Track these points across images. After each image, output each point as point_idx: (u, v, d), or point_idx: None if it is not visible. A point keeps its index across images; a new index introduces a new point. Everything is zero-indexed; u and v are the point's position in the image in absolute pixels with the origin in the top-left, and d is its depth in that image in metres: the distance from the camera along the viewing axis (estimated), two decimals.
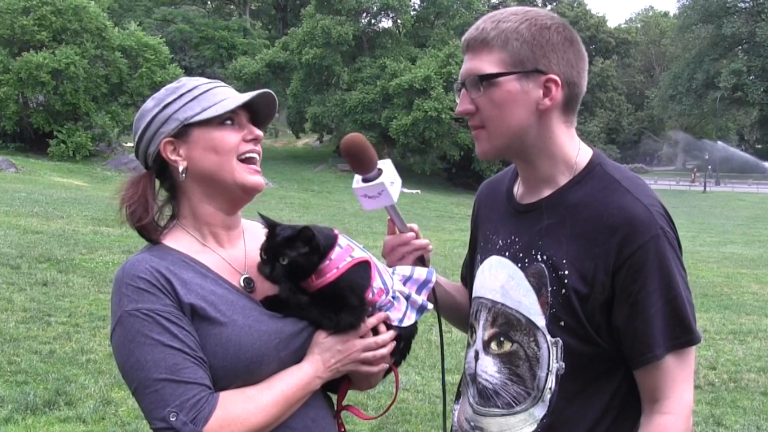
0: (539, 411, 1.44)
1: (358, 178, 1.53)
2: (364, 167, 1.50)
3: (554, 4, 68.92)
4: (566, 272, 1.39)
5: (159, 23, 52.46)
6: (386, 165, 1.53)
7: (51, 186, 19.78)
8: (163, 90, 1.49)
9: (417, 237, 1.62)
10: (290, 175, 35.06)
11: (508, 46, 1.39)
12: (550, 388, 1.42)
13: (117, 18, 39.53)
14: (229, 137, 1.43)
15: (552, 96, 1.40)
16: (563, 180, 1.46)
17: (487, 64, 1.40)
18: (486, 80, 1.40)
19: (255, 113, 1.50)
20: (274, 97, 1.50)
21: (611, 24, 73.93)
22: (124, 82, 30.71)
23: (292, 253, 1.38)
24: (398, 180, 1.54)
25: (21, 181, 20.07)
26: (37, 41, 28.67)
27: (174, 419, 1.27)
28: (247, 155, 1.46)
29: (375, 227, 15.99)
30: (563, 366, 1.41)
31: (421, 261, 1.64)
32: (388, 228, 1.64)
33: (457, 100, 1.48)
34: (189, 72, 43.53)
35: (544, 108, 1.40)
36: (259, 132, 1.48)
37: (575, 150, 1.47)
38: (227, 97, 1.45)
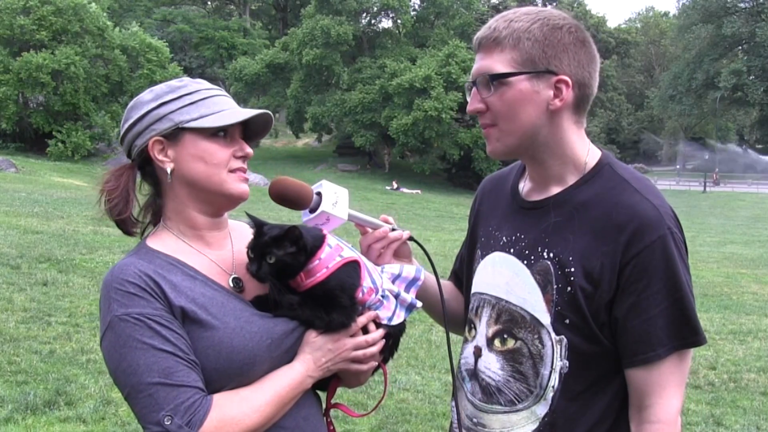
0: (541, 409, 1.44)
1: (304, 212, 1.51)
2: (300, 204, 1.49)
3: (554, 4, 68.91)
4: (573, 270, 1.39)
5: (159, 23, 52.46)
6: (324, 187, 1.51)
7: (51, 186, 19.77)
8: (164, 86, 1.46)
9: (393, 229, 1.61)
10: (290, 175, 34.04)
11: (520, 46, 1.39)
12: (553, 387, 1.42)
13: (117, 18, 39.55)
14: (219, 152, 1.42)
15: (562, 97, 1.40)
16: (572, 179, 1.46)
17: (499, 64, 1.40)
18: (497, 80, 1.40)
19: (248, 127, 1.49)
20: (271, 117, 1.49)
21: (611, 24, 73.94)
22: (124, 82, 30.70)
23: (279, 252, 1.38)
24: (342, 194, 1.52)
25: (21, 181, 20.07)
26: (37, 41, 28.65)
27: (169, 423, 1.26)
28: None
29: None
30: (567, 364, 1.41)
31: (408, 251, 1.63)
32: (360, 230, 1.63)
33: (468, 99, 1.47)
34: (189, 72, 43.51)
35: (554, 108, 1.41)
36: (249, 150, 1.47)
37: (585, 150, 1.47)
38: (226, 109, 1.43)
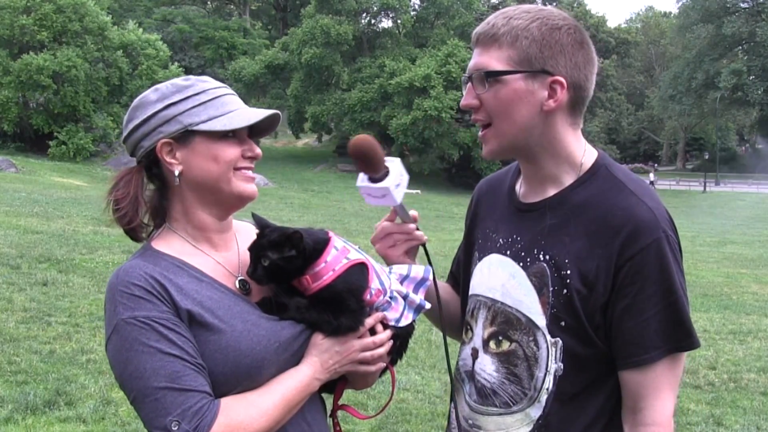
0: (535, 411, 1.44)
1: (363, 176, 1.50)
2: (371, 169, 1.48)
3: (554, 4, 68.84)
4: (568, 272, 1.38)
5: (159, 23, 52.42)
6: (393, 164, 1.50)
7: (51, 186, 19.77)
8: (169, 85, 1.43)
9: (417, 228, 1.61)
10: (290, 175, 35.05)
11: (517, 44, 1.38)
12: (548, 389, 1.42)
13: (117, 18, 39.48)
14: (229, 152, 1.41)
15: (557, 98, 1.39)
16: (568, 180, 1.45)
17: (495, 61, 1.39)
18: (492, 77, 1.39)
19: (254, 126, 1.47)
20: (279, 117, 1.48)
21: (611, 24, 73.76)
22: (124, 83, 30.64)
23: (273, 255, 1.38)
24: (405, 179, 1.52)
25: (21, 181, 20.06)
26: (38, 42, 28.59)
27: (176, 428, 1.24)
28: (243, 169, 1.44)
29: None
30: (561, 367, 1.41)
31: (414, 251, 1.63)
32: (389, 215, 1.61)
33: (464, 92, 1.47)
34: (189, 72, 43.40)
35: (548, 109, 1.40)
36: (258, 151, 1.46)
37: (581, 151, 1.46)
38: (236, 109, 1.41)
